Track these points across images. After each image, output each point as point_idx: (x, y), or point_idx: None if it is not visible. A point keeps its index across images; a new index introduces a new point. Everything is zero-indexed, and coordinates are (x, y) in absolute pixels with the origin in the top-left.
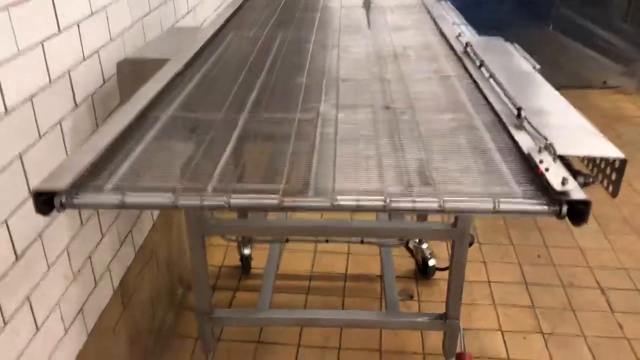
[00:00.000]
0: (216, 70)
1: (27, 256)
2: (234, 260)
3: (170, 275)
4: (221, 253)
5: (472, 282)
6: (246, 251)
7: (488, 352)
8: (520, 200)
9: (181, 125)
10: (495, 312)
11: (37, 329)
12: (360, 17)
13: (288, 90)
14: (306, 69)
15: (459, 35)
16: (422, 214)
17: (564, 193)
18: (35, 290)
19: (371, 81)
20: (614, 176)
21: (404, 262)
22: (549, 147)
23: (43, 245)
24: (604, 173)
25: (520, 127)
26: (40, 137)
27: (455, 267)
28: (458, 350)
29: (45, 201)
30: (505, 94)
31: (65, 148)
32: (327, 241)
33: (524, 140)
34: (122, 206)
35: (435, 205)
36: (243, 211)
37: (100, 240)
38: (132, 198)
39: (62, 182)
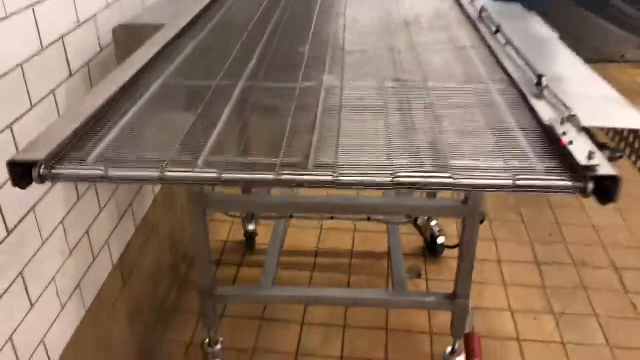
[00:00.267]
0: (214, 38)
1: (19, 231)
2: (239, 235)
3: (173, 251)
4: (226, 228)
5: (481, 260)
6: (251, 227)
7: (497, 333)
8: (541, 177)
9: (173, 94)
10: (505, 292)
11: (32, 305)
12: None
13: (288, 62)
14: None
15: (473, 0)
16: (432, 191)
17: (590, 168)
18: (29, 265)
19: (381, 50)
20: None
21: (412, 240)
22: (572, 118)
23: (37, 220)
24: (632, 147)
25: (540, 96)
26: (32, 106)
27: (466, 246)
28: (467, 330)
29: (22, 173)
30: (524, 61)
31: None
32: (332, 218)
33: (545, 111)
34: (106, 179)
35: (447, 182)
36: (243, 187)
37: (99, 214)
38: (117, 171)
39: (41, 153)
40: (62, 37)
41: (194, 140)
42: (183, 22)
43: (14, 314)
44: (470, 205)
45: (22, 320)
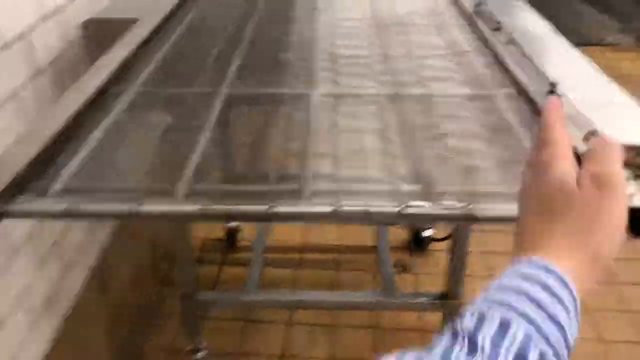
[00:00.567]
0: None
1: None
2: (218, 231)
3: (153, 251)
4: (207, 224)
5: (470, 252)
6: (232, 224)
7: None
8: None
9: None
10: None
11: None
12: None
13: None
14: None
15: None
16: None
17: None
18: None
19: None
20: None
21: (399, 231)
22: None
23: None
24: None
25: None
26: None
27: (457, 242)
28: None
29: None
30: (533, 64)
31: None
32: None
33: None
34: (71, 215)
35: (461, 212)
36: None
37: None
38: (84, 205)
39: None
40: (25, 33)
41: (172, 164)
42: (159, 16)
43: None
44: None
45: None
